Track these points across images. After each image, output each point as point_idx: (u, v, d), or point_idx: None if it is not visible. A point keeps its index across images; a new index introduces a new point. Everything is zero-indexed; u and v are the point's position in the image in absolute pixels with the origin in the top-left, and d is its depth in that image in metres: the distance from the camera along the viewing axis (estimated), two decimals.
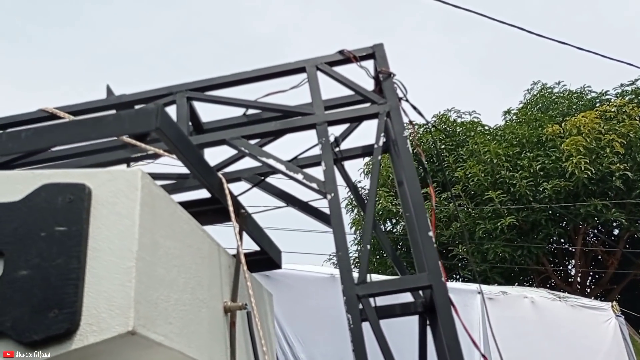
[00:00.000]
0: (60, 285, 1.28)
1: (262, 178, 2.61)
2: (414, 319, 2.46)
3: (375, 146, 2.27)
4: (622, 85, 14.82)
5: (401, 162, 2.17)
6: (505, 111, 16.12)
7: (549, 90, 16.17)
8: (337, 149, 2.48)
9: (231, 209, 1.87)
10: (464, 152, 13.44)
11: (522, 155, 12.51)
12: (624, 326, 8.70)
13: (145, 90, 2.55)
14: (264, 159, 2.25)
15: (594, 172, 11.13)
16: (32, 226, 1.35)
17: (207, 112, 2.77)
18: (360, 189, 15.01)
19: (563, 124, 12.53)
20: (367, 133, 2.50)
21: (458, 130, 14.75)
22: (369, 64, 2.57)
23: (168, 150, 1.69)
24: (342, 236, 2.06)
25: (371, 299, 2.07)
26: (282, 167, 2.24)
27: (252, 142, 2.40)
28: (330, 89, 2.67)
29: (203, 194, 2.15)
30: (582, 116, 12.17)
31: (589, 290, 14.00)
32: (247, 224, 2.13)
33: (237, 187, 2.64)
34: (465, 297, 7.10)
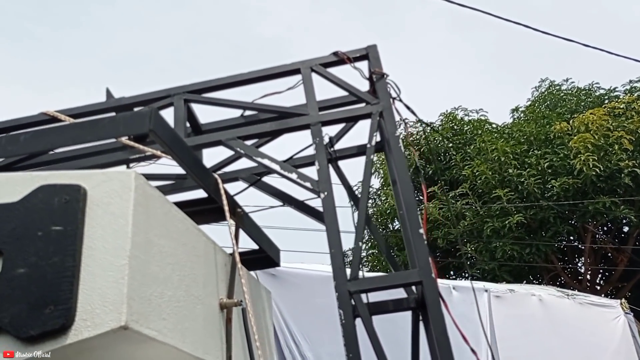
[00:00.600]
0: (56, 282, 1.33)
1: (259, 178, 2.66)
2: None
3: (368, 146, 2.31)
4: (630, 81, 14.69)
5: (394, 161, 2.21)
6: (513, 109, 16.08)
7: (557, 87, 16.10)
8: (332, 149, 2.52)
9: (226, 207, 1.92)
10: (471, 150, 13.42)
11: (530, 153, 12.46)
12: (633, 323, 8.65)
13: (144, 92, 2.60)
14: (259, 159, 2.30)
15: (602, 169, 11.06)
16: (29, 226, 1.40)
17: (207, 114, 2.82)
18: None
19: (571, 121, 12.47)
20: (363, 133, 2.53)
21: (465, 128, 14.72)
22: (364, 65, 2.61)
23: (165, 151, 1.74)
24: (336, 234, 2.11)
25: (364, 296, 2.11)
26: (276, 167, 2.28)
27: (249, 142, 2.45)
28: (328, 90, 2.71)
29: (201, 193, 2.20)
30: (590, 113, 12.10)
31: (598, 288, 13.92)
32: (244, 223, 2.18)
33: (235, 188, 2.69)
34: (471, 295, 7.11)
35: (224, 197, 1.95)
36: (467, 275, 13.49)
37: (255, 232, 2.35)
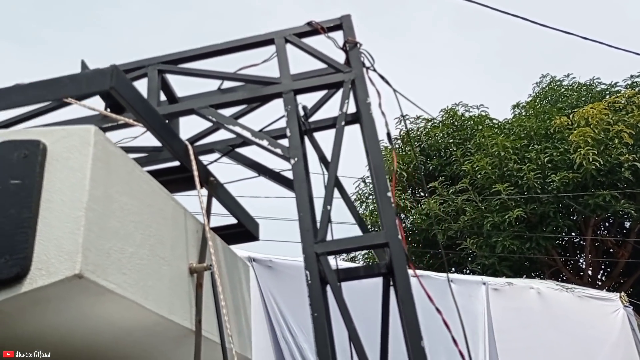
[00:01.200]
0: (12, 233, 1.35)
1: (232, 148, 2.66)
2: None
3: (339, 112, 2.32)
4: (632, 76, 14.62)
5: (364, 128, 2.21)
6: (514, 105, 16.03)
7: (558, 82, 16.03)
8: (307, 121, 2.52)
9: (196, 173, 1.92)
10: (471, 145, 13.39)
11: (530, 147, 12.41)
12: (632, 316, 8.59)
13: (117, 64, 2.60)
14: (231, 127, 2.30)
15: (602, 163, 11.01)
16: None
17: (187, 88, 2.83)
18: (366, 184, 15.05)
19: (571, 116, 12.42)
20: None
21: (466, 124, 14.69)
22: (339, 35, 2.61)
23: (129, 111, 1.74)
24: (304, 199, 2.11)
25: (332, 261, 2.12)
26: (247, 134, 2.29)
27: (226, 113, 2.46)
28: (307, 65, 2.72)
29: (176, 164, 2.21)
30: (591, 107, 12.04)
31: (600, 283, 13.85)
32: (218, 192, 2.18)
33: (215, 164, 2.69)
34: (469, 288, 7.08)
35: (193, 163, 1.96)
36: (467, 270, 13.45)
37: (231, 203, 2.36)
